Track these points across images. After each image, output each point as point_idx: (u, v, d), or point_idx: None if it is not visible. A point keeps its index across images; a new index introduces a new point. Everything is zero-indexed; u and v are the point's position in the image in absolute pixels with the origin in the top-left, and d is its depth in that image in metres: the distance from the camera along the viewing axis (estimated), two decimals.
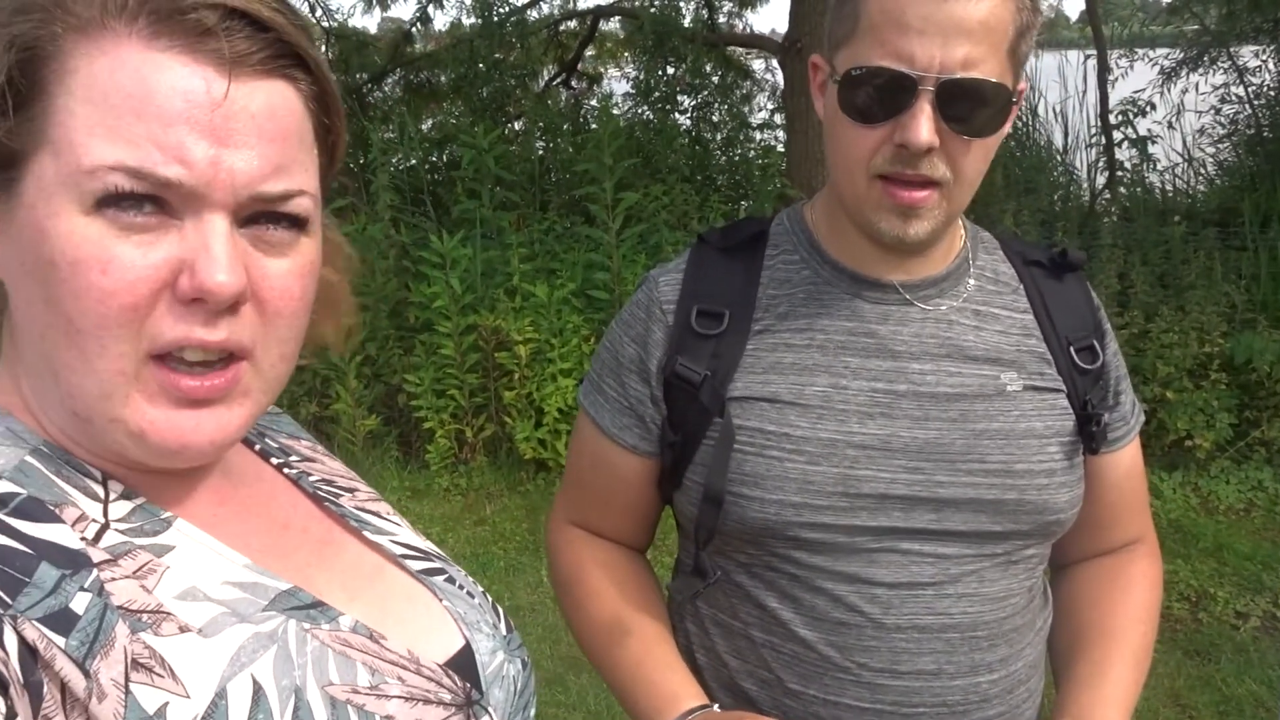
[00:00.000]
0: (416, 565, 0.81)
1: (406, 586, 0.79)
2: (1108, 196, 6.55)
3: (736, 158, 7.01)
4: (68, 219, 0.58)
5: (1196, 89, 7.76)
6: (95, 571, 0.60)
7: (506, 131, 6.92)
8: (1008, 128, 1.01)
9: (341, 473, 0.88)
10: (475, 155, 5.54)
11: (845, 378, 1.05)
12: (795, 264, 1.11)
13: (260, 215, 0.63)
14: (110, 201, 0.58)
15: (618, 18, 8.32)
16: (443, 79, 7.72)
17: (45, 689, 0.55)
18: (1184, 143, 7.28)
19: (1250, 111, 7.38)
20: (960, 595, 1.04)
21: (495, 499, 4.54)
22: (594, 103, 7.60)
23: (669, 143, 6.60)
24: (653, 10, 7.33)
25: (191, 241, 0.60)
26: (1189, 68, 7.82)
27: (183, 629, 0.61)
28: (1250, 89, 7.42)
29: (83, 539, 0.61)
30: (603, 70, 9.31)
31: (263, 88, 0.62)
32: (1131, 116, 6.51)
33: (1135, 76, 7.88)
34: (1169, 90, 7.66)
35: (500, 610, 0.84)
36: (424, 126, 7.12)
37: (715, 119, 7.23)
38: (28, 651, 0.54)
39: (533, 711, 0.83)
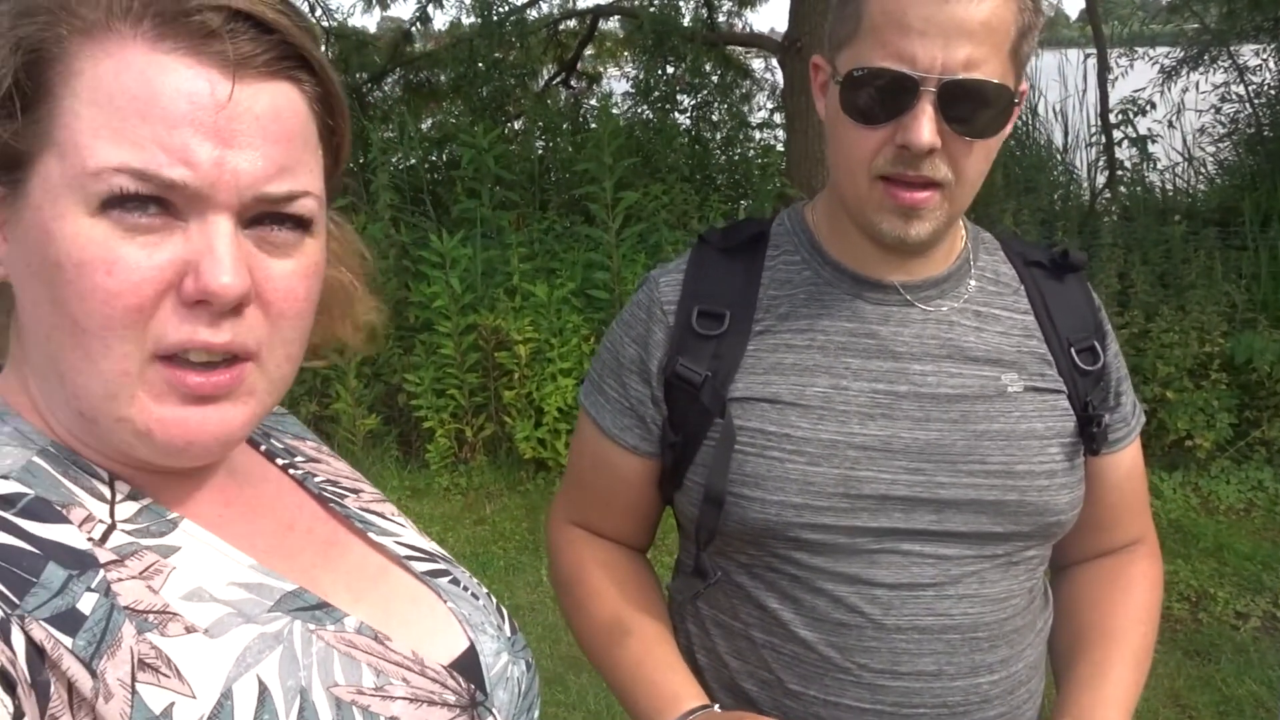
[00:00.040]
0: (421, 567, 0.81)
1: (411, 588, 0.79)
2: (1108, 196, 6.55)
3: (736, 157, 7.01)
4: (73, 220, 0.58)
5: (1197, 88, 7.76)
6: (102, 572, 0.60)
7: (506, 131, 6.92)
8: (1009, 129, 1.01)
9: (346, 474, 0.88)
10: (475, 155, 5.54)
11: (846, 379, 1.05)
12: (796, 264, 1.11)
13: (265, 216, 0.63)
14: (115, 203, 0.58)
15: (617, 17, 8.32)
16: (442, 78, 7.71)
17: (52, 689, 0.55)
18: (1184, 142, 7.28)
19: (1251, 110, 7.38)
20: (961, 596, 1.04)
21: (495, 498, 4.54)
22: (593, 102, 7.60)
23: (668, 142, 6.59)
24: (652, 9, 7.32)
25: (196, 243, 0.60)
26: (1189, 66, 7.82)
27: (189, 629, 0.61)
28: (1250, 88, 7.43)
29: (89, 540, 0.61)
30: (602, 69, 9.31)
31: (267, 89, 0.62)
32: (1132, 115, 6.51)
33: (1135, 75, 7.88)
34: (1169, 89, 7.66)
35: (504, 611, 0.84)
36: (424, 126, 7.12)
37: (715, 118, 7.23)
38: (35, 651, 0.55)
39: (536, 713, 0.83)
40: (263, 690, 0.62)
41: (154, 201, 0.59)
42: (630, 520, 1.21)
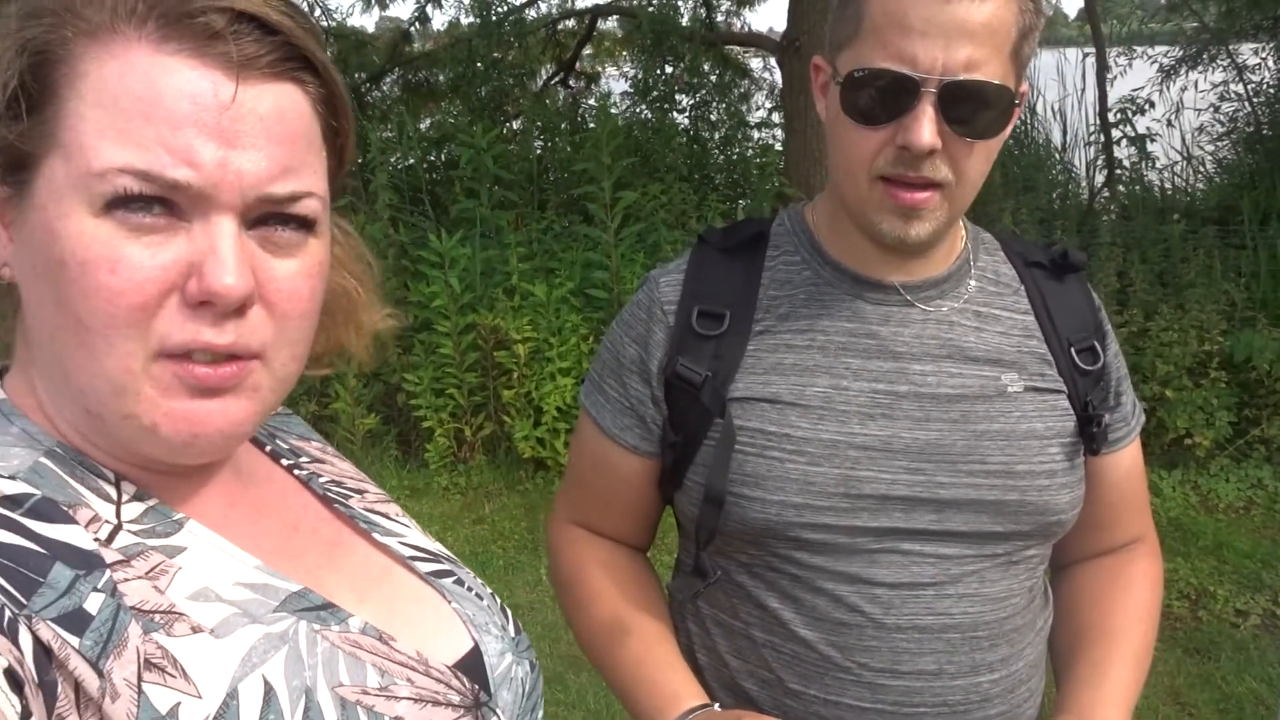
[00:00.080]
0: (425, 567, 0.82)
1: (415, 588, 0.80)
2: (1106, 195, 6.55)
3: (734, 156, 6.99)
4: (78, 220, 0.59)
5: (1195, 87, 7.76)
6: (108, 572, 0.60)
7: (505, 131, 6.91)
8: (1010, 129, 1.01)
9: (351, 474, 0.88)
10: (474, 154, 5.54)
11: (846, 379, 1.05)
12: (796, 265, 1.11)
13: (268, 217, 0.63)
14: (120, 203, 0.59)
15: (616, 17, 8.31)
16: (441, 78, 7.71)
17: (59, 688, 0.55)
18: (1183, 141, 7.28)
19: (1249, 109, 7.38)
20: (961, 595, 1.04)
21: (494, 498, 4.54)
22: (592, 102, 7.59)
23: (667, 142, 6.58)
24: (650, 9, 7.31)
25: (200, 243, 0.60)
26: (1188, 65, 7.82)
27: (195, 629, 0.62)
28: (1249, 86, 7.43)
29: (96, 540, 0.61)
30: (601, 69, 9.30)
31: (271, 90, 0.62)
32: (1130, 114, 6.51)
33: (1134, 74, 7.89)
34: (1168, 88, 7.66)
35: (509, 612, 0.85)
36: (422, 126, 7.11)
37: (713, 118, 7.22)
38: (42, 651, 0.55)
39: (540, 713, 0.83)
40: (268, 690, 0.62)
41: (158, 202, 0.59)
42: (630, 520, 1.21)
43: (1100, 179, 6.69)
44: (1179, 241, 5.08)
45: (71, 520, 0.61)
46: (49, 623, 0.56)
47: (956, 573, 1.04)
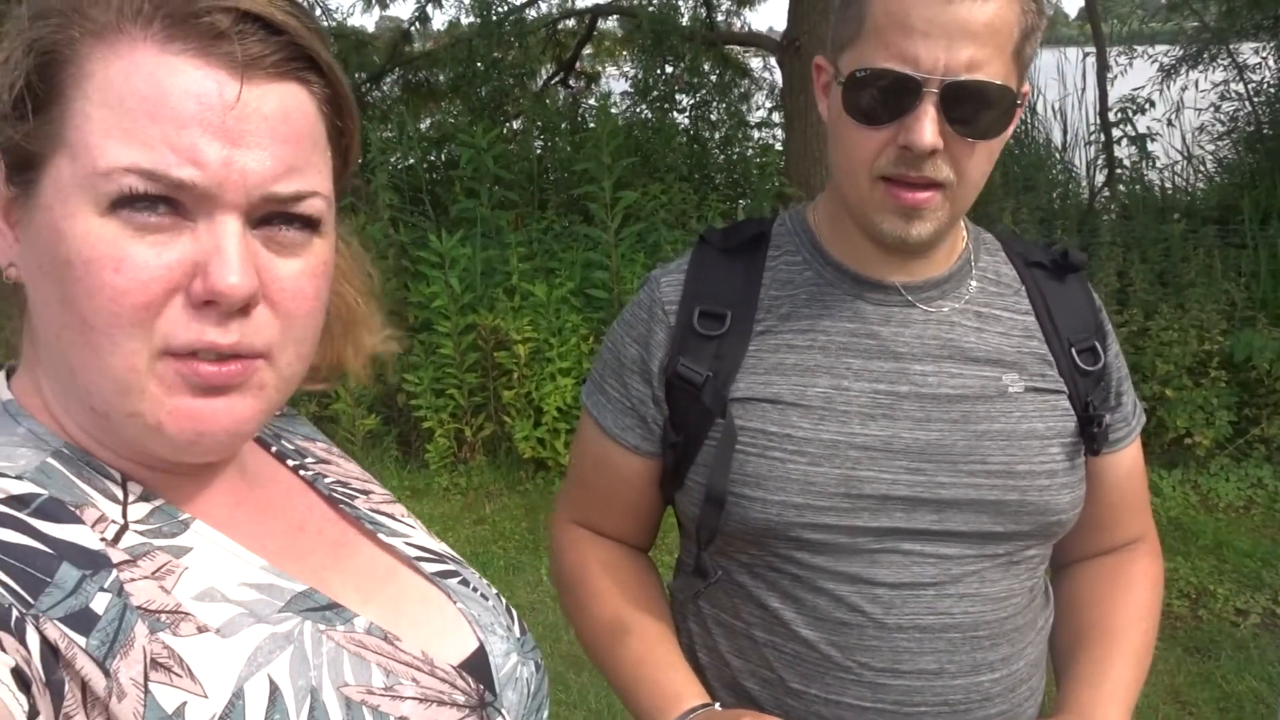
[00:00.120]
0: (430, 568, 0.82)
1: (420, 589, 0.80)
2: (1107, 194, 6.55)
3: (735, 156, 6.99)
4: (83, 220, 0.59)
5: (1196, 86, 7.76)
6: (115, 572, 0.60)
7: (505, 131, 6.91)
8: (1011, 130, 1.01)
9: (357, 475, 0.88)
10: (474, 154, 5.54)
11: (847, 379, 1.05)
12: (797, 265, 1.11)
13: (273, 216, 0.63)
14: (125, 203, 0.59)
15: (616, 16, 8.31)
16: (441, 78, 7.70)
17: (66, 688, 0.55)
18: (1183, 140, 7.28)
19: (1250, 109, 7.38)
20: (962, 595, 1.04)
21: (494, 498, 4.54)
22: (592, 102, 7.59)
23: (667, 142, 6.58)
24: (651, 9, 7.31)
25: (204, 243, 0.60)
26: (1188, 65, 7.82)
27: (201, 629, 0.62)
28: (1250, 86, 7.43)
29: (102, 540, 0.62)
30: (601, 69, 9.30)
31: (275, 90, 0.62)
32: (1131, 114, 6.51)
33: (1134, 74, 7.89)
34: (1168, 87, 7.66)
35: (514, 612, 0.85)
36: (422, 126, 7.10)
37: (713, 118, 7.21)
38: (49, 650, 0.55)
39: (545, 713, 0.83)
40: (274, 690, 0.62)
41: (163, 201, 0.59)
42: (632, 520, 1.21)
43: (1100, 178, 6.68)
44: (1179, 241, 5.08)
45: (78, 520, 0.61)
46: (56, 622, 0.56)
47: (957, 573, 1.04)
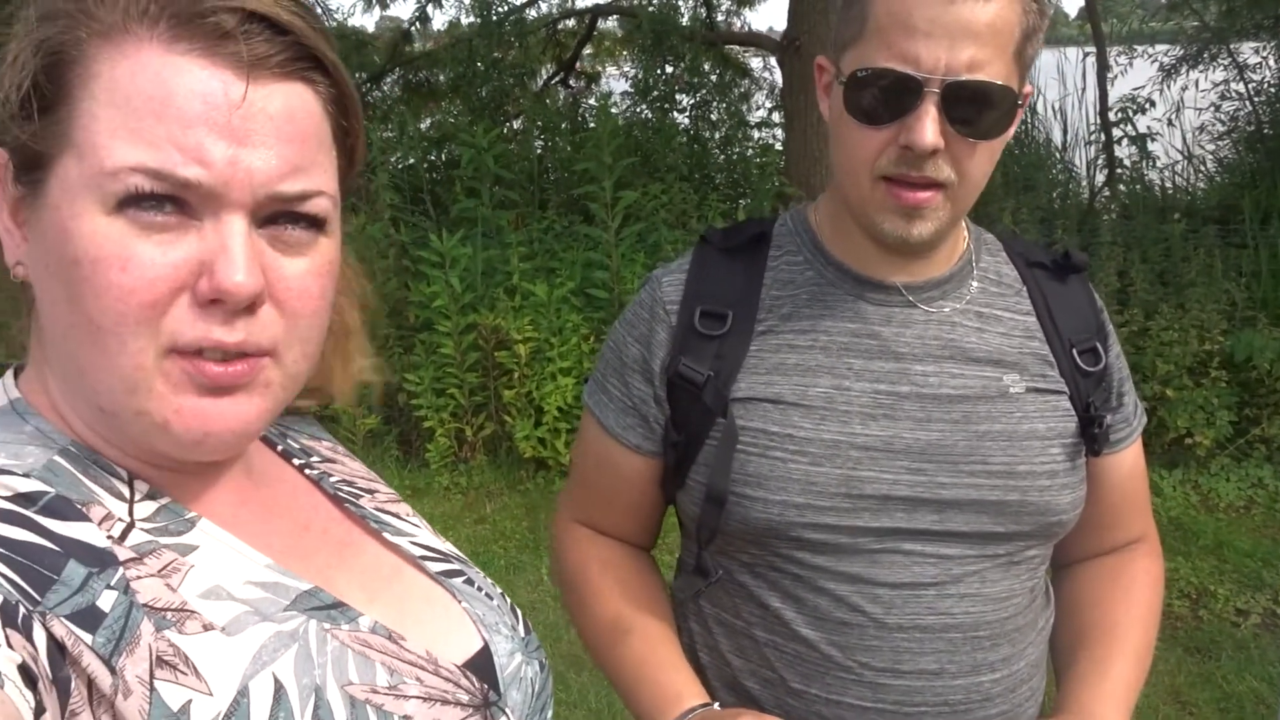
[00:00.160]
0: (435, 567, 0.82)
1: (425, 588, 0.80)
2: (1107, 194, 6.55)
3: (735, 156, 6.99)
4: (90, 219, 0.59)
5: (1196, 86, 7.76)
6: (121, 570, 0.61)
7: (505, 130, 6.91)
8: (1013, 130, 1.01)
9: (362, 474, 0.88)
10: (474, 154, 5.54)
11: (848, 379, 1.05)
12: (799, 265, 1.12)
13: (278, 215, 0.64)
14: (131, 202, 0.59)
15: (616, 16, 8.31)
16: (441, 78, 7.71)
17: (73, 685, 0.56)
18: (1184, 140, 7.28)
19: (1250, 108, 7.38)
20: (962, 595, 1.04)
21: (495, 497, 4.54)
22: (592, 102, 7.59)
23: (667, 141, 6.58)
24: (651, 9, 7.31)
25: (210, 242, 0.61)
26: (1189, 64, 7.82)
27: (206, 627, 0.62)
28: (1250, 85, 7.42)
29: (109, 537, 0.62)
30: (601, 69, 9.31)
31: (281, 90, 0.63)
32: (1131, 114, 6.51)
33: (1135, 73, 7.89)
34: (1169, 87, 7.66)
35: (519, 612, 0.85)
36: (423, 125, 7.11)
37: (714, 117, 7.21)
38: (56, 648, 0.56)
39: (550, 713, 0.83)
40: (279, 688, 0.62)
41: (169, 200, 0.60)
42: (633, 519, 1.21)
43: (1101, 178, 6.68)
44: (1180, 241, 5.08)
45: (85, 518, 0.62)
46: (62, 619, 0.56)
47: (958, 573, 1.04)
